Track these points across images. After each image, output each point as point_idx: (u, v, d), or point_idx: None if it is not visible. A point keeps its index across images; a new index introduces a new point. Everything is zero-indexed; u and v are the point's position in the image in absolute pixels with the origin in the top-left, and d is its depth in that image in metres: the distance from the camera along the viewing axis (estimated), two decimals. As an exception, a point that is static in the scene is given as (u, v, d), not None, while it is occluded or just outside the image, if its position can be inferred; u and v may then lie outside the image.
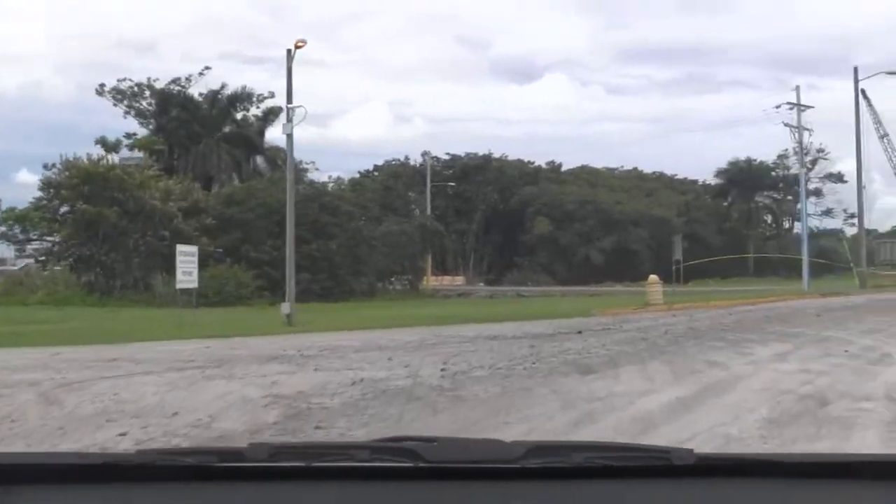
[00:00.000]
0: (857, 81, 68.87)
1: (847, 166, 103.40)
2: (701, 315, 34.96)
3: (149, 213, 55.09)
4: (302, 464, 2.93)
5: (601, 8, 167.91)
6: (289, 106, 36.60)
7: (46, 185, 58.13)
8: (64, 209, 57.66)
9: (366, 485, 2.88)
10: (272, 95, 76.42)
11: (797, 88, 67.13)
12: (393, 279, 70.09)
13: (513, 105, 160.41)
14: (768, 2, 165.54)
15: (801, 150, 69.26)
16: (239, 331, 29.04)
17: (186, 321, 32.46)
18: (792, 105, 66.25)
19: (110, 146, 62.21)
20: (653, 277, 44.63)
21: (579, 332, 25.99)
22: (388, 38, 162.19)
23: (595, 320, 32.77)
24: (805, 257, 64.90)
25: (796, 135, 67.14)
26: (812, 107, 69.02)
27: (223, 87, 74.61)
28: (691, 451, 3.00)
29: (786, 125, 66.84)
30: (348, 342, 23.96)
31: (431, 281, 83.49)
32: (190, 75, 74.82)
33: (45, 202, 58.92)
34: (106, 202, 54.63)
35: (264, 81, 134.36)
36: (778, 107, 66.60)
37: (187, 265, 35.68)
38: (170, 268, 54.02)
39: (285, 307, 34.70)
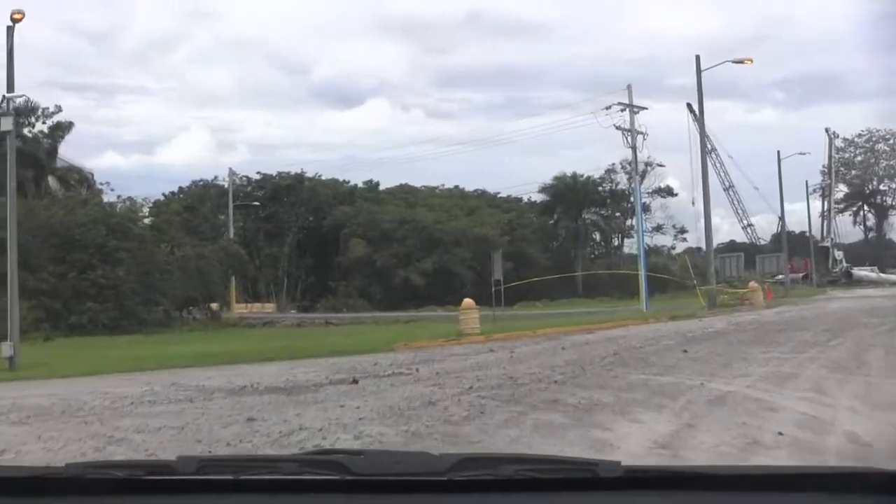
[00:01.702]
0: (700, 83, 65.27)
1: (673, 183, 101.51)
2: (525, 349, 29.22)
3: None
4: (230, 476, 2.95)
5: (419, 33, 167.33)
6: (7, 96, 30.59)
7: None
8: None
9: (294, 497, 2.91)
10: (59, 109, 70.52)
11: (629, 87, 62.79)
12: (192, 308, 64.25)
13: (333, 130, 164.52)
14: (582, 27, 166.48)
15: (635, 154, 65.06)
16: None
17: None
18: (624, 106, 62.14)
19: None
20: (467, 302, 38.67)
21: (354, 381, 20.31)
22: (206, 65, 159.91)
23: (391, 358, 27.51)
24: (643, 274, 60.60)
25: (628, 138, 62.98)
26: (645, 108, 65.38)
27: (3, 99, 67.69)
28: (619, 463, 3.02)
29: (618, 128, 62.60)
30: (39, 399, 19.01)
31: (238, 309, 77.95)
32: (-38, 91, 66.62)
33: None
34: None
35: (82, 110, 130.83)
36: (608, 107, 62.34)
37: None
38: None
39: (6, 348, 28.82)
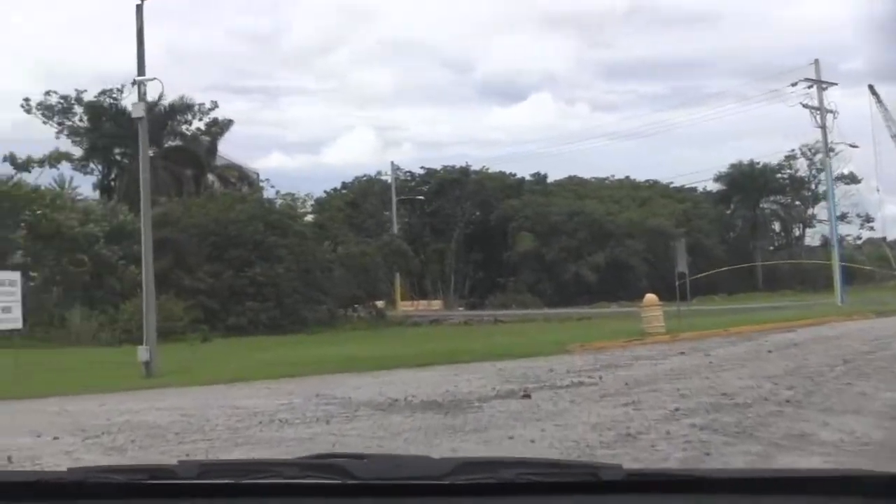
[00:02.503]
0: None
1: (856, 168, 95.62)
2: (722, 352, 25.74)
3: (65, 237, 47.35)
4: (231, 481, 2.92)
5: (582, 26, 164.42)
6: (139, 79, 28.00)
7: None
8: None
9: (295, 501, 2.89)
10: (216, 106, 69.04)
11: (816, 63, 58.26)
12: (356, 307, 61.94)
13: (498, 126, 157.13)
14: (746, 13, 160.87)
15: (825, 132, 60.23)
16: (63, 386, 22.82)
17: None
18: (811, 82, 57.62)
19: (21, 164, 54.04)
20: (650, 297, 35.03)
21: (526, 396, 17.10)
22: (368, 64, 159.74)
23: (567, 362, 24.35)
24: (837, 265, 56.10)
25: (817, 117, 58.43)
26: (835, 83, 60.55)
27: (160, 97, 66.26)
28: (620, 466, 2.99)
29: (805, 106, 58.10)
30: (160, 414, 16.80)
31: (404, 306, 75.61)
32: (122, 85, 65.29)
33: None
34: (12, 226, 47.21)
35: (250, 112, 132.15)
36: (794, 84, 57.97)
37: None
38: (91, 300, 47.78)
39: (142, 352, 26.15)
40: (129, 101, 65.59)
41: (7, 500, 2.88)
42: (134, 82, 27.54)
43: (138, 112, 28.01)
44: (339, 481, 2.86)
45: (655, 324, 33.34)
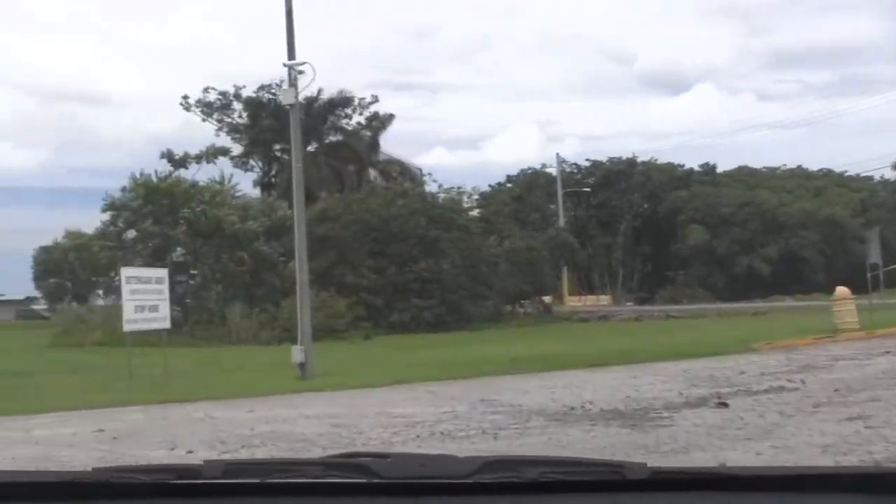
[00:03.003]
0: None
1: None
2: None
3: (225, 234, 46.80)
4: (256, 480, 2.91)
5: (743, 15, 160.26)
6: (288, 64, 26.39)
7: (109, 206, 50.44)
8: (129, 234, 50.04)
9: (320, 501, 2.89)
10: (376, 100, 67.93)
11: None
12: (522, 302, 60.18)
13: (661, 117, 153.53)
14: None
15: None
16: (213, 389, 21.96)
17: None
18: None
19: (178, 161, 53.57)
20: (842, 290, 31.97)
21: (723, 404, 15.04)
22: (529, 58, 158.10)
23: (757, 362, 22.24)
24: None
25: None
26: None
27: (320, 91, 65.29)
28: (645, 464, 2.94)
29: None
30: (308, 423, 15.44)
31: (571, 301, 73.56)
32: (281, 80, 64.42)
33: (110, 227, 51.41)
34: (173, 223, 46.84)
35: (411, 109, 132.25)
36: None
37: (145, 297, 25.93)
38: (251, 297, 47.13)
39: (297, 353, 24.62)
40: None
41: (32, 500, 2.85)
42: (284, 65, 25.87)
43: (288, 98, 26.55)
44: (364, 480, 2.85)
45: (848, 319, 30.66)
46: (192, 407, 18.59)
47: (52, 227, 70.02)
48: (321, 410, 16.80)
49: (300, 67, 26.28)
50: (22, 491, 2.94)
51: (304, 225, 26.90)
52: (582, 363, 23.58)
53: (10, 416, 18.85)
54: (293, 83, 26.17)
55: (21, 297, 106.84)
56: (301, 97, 28.48)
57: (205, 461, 3.14)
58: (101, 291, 57.03)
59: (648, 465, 2.92)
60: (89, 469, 3.12)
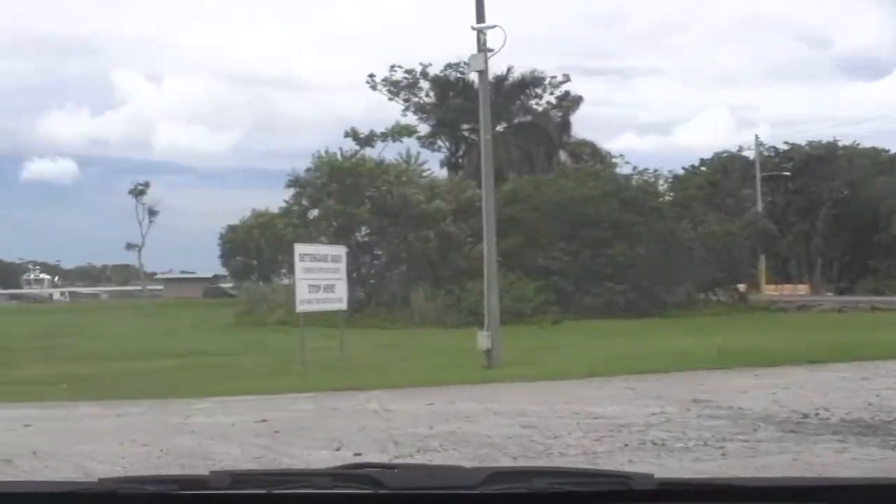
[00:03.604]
0: None
1: None
2: None
3: (411, 213, 45.57)
4: (263, 491, 2.94)
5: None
6: (477, 27, 24.23)
7: (293, 183, 49.80)
8: (313, 213, 49.22)
9: None
10: (567, 79, 65.84)
11: None
12: (716, 290, 57.51)
13: (858, 103, 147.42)
14: None
15: None
16: (392, 376, 20.85)
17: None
18: None
19: (363, 139, 52.38)
20: None
21: None
22: (720, 42, 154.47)
23: None
24: None
25: None
26: None
27: (509, 70, 63.49)
28: (652, 475, 3.02)
29: None
30: (495, 422, 13.54)
31: (768, 290, 70.34)
32: (469, 56, 62.65)
33: (293, 206, 50.77)
34: (357, 201, 45.85)
35: (601, 93, 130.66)
36: None
37: (320, 276, 24.27)
38: (436, 279, 45.77)
39: (483, 339, 22.64)
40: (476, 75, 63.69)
41: None
42: (473, 28, 23.94)
43: (477, 64, 24.73)
44: (371, 491, 2.85)
45: None
46: (366, 396, 17.00)
47: (241, 208, 70.53)
48: (509, 406, 14.94)
49: (489, 33, 24.27)
50: (27, 501, 2.98)
51: (494, 198, 25.02)
52: (797, 359, 21.16)
53: (175, 400, 17.74)
54: (482, 48, 24.26)
55: (209, 275, 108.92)
56: (490, 75, 26.95)
57: (211, 472, 3.13)
58: (284, 270, 56.41)
59: (655, 476, 2.96)
60: (95, 480, 3.15)
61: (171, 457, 11.53)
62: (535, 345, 27.05)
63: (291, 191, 52.13)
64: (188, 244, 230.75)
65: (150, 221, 69.05)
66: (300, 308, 24.06)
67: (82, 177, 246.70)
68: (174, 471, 9.91)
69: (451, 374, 20.56)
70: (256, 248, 61.27)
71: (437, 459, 10.62)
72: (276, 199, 63.18)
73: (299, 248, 24.88)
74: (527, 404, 15.10)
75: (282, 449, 11.78)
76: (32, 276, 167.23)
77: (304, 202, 50.29)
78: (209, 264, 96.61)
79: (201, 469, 9.84)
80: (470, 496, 2.85)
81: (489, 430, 12.58)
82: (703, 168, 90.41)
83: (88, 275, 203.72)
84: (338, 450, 11.43)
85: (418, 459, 10.66)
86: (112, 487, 2.93)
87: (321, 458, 10.71)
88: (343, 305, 25.49)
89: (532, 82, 65.27)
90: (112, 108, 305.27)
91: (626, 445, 11.23)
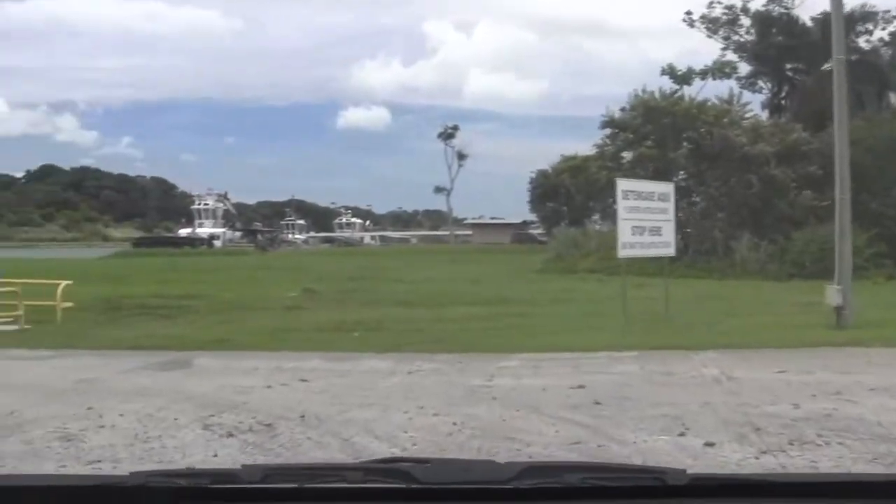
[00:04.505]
0: None
1: None
2: None
3: (733, 157, 42.74)
4: (295, 485, 2.88)
5: None
6: None
7: (607, 123, 47.52)
8: (627, 155, 46.99)
9: None
10: (907, 13, 60.80)
11: None
12: None
13: None
14: None
15: None
16: (727, 334, 18.06)
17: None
18: None
19: (680, 76, 49.27)
20: None
21: None
22: None
23: None
24: None
25: None
26: None
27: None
28: (684, 471, 2.93)
29: None
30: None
31: None
32: (793, -10, 58.65)
33: (607, 147, 48.64)
34: (675, 143, 43.38)
35: None
36: None
37: (644, 217, 21.39)
38: (758, 227, 42.69)
39: (833, 294, 19.40)
40: (801, 9, 59.83)
41: (68, 503, 2.80)
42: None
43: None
44: (404, 485, 2.78)
45: None
46: (700, 359, 14.35)
47: (548, 155, 69.51)
48: (887, 379, 12.00)
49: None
50: (58, 494, 2.84)
51: (846, 129, 21.83)
52: None
53: (476, 356, 15.59)
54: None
55: (517, 220, 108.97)
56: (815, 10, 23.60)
57: (243, 465, 3.07)
58: (596, 216, 54.33)
59: (688, 471, 2.83)
60: (126, 473, 2.98)
61: (463, 435, 9.32)
62: (881, 301, 23.56)
63: (603, 134, 49.71)
64: (496, 191, 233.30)
65: (460, 165, 68.38)
66: (622, 253, 21.31)
67: (394, 124, 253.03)
68: (466, 455, 8.30)
69: (794, 334, 17.61)
70: (566, 194, 59.53)
71: (828, 453, 7.97)
72: (583, 148, 61.78)
73: (622, 184, 21.97)
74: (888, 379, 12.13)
75: (607, 430, 9.30)
76: (344, 220, 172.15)
77: (619, 143, 47.77)
78: (518, 210, 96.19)
79: (501, 457, 7.91)
80: (503, 490, 2.75)
81: (875, 413, 9.74)
82: None
83: (399, 220, 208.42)
84: (681, 435, 8.91)
85: (795, 455, 8.02)
86: (143, 481, 2.81)
87: (662, 448, 8.23)
88: (671, 251, 22.69)
89: (862, 17, 60.51)
90: (423, 57, 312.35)
91: None
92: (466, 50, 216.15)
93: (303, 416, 10.23)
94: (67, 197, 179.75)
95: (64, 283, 23.56)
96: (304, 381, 12.87)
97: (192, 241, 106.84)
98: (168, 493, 2.80)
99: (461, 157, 67.22)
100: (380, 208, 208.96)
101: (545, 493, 2.78)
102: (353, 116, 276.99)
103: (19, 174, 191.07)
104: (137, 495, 2.80)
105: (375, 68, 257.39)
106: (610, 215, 53.33)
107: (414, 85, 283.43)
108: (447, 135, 68.33)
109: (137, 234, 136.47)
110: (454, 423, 9.78)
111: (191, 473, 3.10)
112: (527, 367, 14.00)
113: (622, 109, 48.00)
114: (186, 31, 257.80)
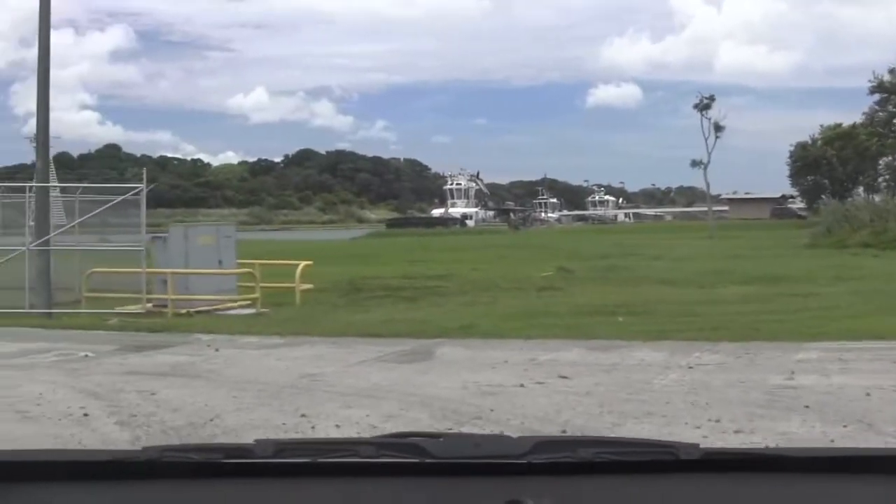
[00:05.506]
0: None
1: None
2: None
3: None
4: (308, 460, 2.84)
5: None
6: None
7: (877, 88, 44.86)
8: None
9: (372, 481, 2.79)
10: None
11: None
12: None
13: None
14: None
15: None
16: None
17: None
18: None
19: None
20: None
21: None
22: None
23: None
24: None
25: None
26: None
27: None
28: (697, 445, 2.88)
29: None
30: None
31: None
32: None
33: (878, 113, 46.05)
34: None
35: None
36: None
37: None
38: None
39: None
40: None
41: (80, 479, 2.76)
42: None
43: None
44: (417, 460, 2.74)
45: None
46: None
47: (804, 128, 66.80)
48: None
49: None
50: (69, 470, 2.79)
51: None
52: None
53: (761, 345, 13.44)
54: None
55: (776, 195, 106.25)
56: None
57: (256, 440, 2.92)
58: (861, 188, 51.44)
59: (701, 445, 2.82)
60: (139, 449, 2.93)
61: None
62: None
63: (871, 101, 46.86)
64: (752, 165, 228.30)
65: (717, 137, 65.76)
66: None
67: (644, 101, 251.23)
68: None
69: None
70: (828, 165, 56.76)
71: None
72: (842, 119, 58.68)
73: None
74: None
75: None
76: (597, 198, 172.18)
77: (891, 108, 44.97)
78: (774, 184, 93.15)
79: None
80: (516, 465, 2.68)
81: None
82: None
83: (652, 197, 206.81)
84: None
85: None
86: (156, 456, 2.76)
87: None
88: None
89: None
90: (672, 32, 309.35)
91: None
92: (716, 23, 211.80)
93: (564, 432, 8.31)
94: (324, 180, 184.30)
95: (303, 263, 22.91)
96: (563, 377, 11.18)
97: (445, 221, 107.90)
98: (182, 468, 2.76)
99: (718, 128, 64.62)
100: (632, 186, 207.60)
101: (559, 467, 2.73)
102: (602, 94, 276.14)
103: (278, 159, 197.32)
104: (151, 470, 2.75)
105: (624, 45, 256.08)
106: (877, 187, 50.34)
107: (663, 61, 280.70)
108: (703, 105, 65.70)
109: (392, 215, 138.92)
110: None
111: (204, 448, 3.05)
112: (831, 361, 11.88)
113: (891, 71, 45.17)
114: (436, 13, 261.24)
